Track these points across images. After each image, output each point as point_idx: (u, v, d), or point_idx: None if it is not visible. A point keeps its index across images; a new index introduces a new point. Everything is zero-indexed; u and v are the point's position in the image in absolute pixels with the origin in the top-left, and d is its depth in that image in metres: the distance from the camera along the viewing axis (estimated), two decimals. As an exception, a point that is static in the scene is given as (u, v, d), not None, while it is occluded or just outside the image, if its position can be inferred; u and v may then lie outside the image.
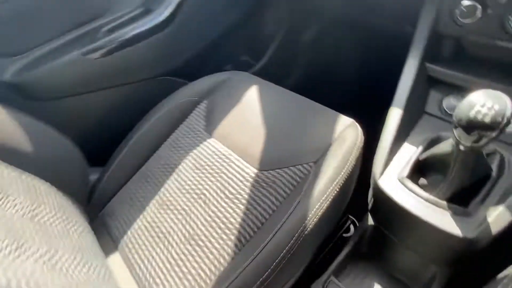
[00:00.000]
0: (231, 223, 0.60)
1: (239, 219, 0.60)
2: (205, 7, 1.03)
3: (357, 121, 0.67)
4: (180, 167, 0.73)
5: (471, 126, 0.39)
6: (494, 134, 0.39)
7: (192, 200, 0.66)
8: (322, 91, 1.47)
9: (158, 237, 0.64)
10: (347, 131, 0.65)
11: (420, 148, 0.59)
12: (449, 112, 0.64)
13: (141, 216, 0.68)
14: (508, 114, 0.37)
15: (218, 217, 0.61)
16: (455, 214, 0.50)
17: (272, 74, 1.42)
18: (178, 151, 0.76)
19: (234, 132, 0.74)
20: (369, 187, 0.65)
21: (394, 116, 0.62)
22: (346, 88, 1.20)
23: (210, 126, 0.78)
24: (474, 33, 0.57)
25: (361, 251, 0.72)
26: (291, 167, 0.64)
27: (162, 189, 0.71)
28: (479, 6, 0.53)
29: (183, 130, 0.80)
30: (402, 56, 0.69)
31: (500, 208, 0.49)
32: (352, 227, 0.94)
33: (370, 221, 0.70)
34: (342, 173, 0.59)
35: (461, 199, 0.52)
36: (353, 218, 0.95)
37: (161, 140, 0.80)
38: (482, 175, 0.51)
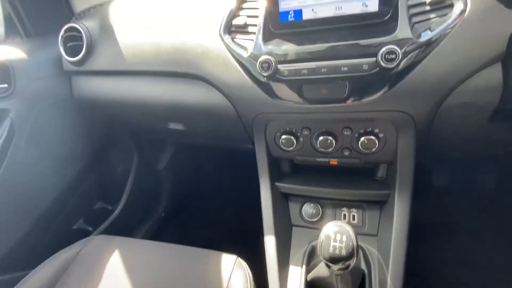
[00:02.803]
0: None
1: None
2: (26, 180, 0.85)
3: (238, 247, 0.65)
4: None
5: (335, 260, 0.44)
6: (354, 260, 0.44)
7: None
8: (196, 219, 1.42)
9: None
10: (234, 276, 0.61)
11: (304, 267, 0.62)
12: (309, 220, 0.72)
13: None
14: (354, 240, 0.44)
15: None
16: None
17: (135, 213, 1.28)
18: None
19: None
20: None
21: (271, 246, 0.64)
22: (218, 212, 1.19)
23: None
24: (298, 155, 0.70)
25: None
26: None
27: None
28: (293, 138, 0.66)
29: None
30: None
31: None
32: None
33: None
34: None
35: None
36: None
37: None
38: (360, 277, 0.57)
